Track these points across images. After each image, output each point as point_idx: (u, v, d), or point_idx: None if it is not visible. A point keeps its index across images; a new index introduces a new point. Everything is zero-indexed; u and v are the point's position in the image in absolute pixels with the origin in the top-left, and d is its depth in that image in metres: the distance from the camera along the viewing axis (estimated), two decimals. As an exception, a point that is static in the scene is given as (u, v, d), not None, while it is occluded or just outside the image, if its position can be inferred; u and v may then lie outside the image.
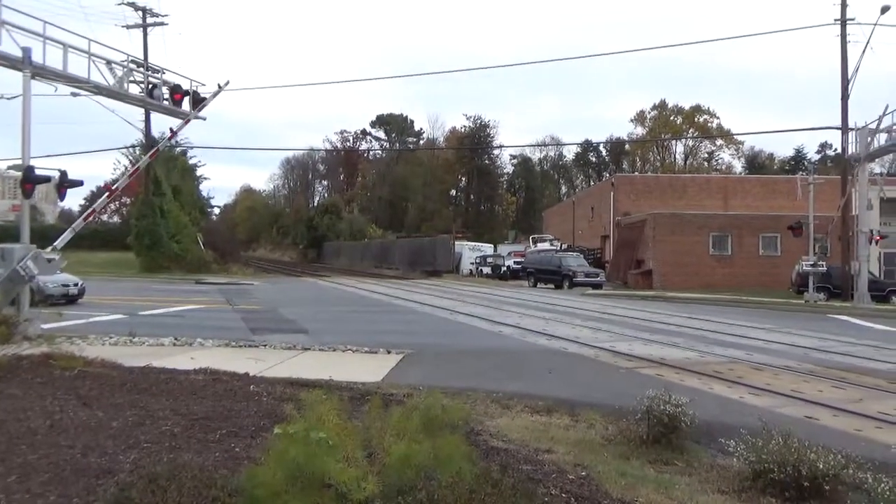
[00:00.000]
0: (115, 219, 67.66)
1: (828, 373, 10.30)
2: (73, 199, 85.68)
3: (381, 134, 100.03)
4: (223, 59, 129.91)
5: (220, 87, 13.51)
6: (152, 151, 17.26)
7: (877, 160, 30.03)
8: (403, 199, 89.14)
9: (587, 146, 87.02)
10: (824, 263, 27.41)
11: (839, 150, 32.32)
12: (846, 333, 16.49)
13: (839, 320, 20.91)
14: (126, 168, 63.71)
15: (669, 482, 4.92)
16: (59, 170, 11.37)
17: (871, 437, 6.52)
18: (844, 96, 28.25)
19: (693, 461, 5.56)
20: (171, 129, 14.28)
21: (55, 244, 11.09)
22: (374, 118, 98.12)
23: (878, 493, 4.09)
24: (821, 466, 4.55)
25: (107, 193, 12.43)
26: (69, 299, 18.87)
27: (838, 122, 28.64)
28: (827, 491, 4.54)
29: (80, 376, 7.65)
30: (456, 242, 53.40)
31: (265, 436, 5.07)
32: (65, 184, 11.42)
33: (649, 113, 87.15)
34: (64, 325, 12.67)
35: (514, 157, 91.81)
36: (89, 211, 11.01)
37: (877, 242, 27.71)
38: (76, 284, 19.52)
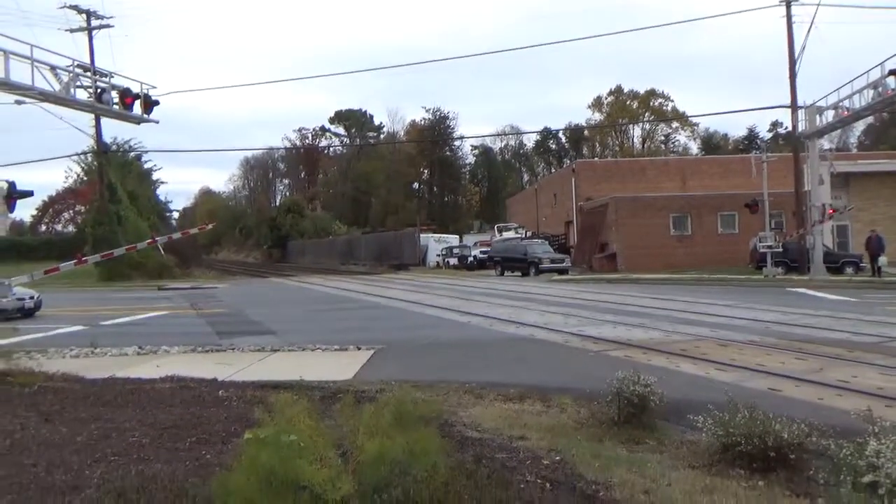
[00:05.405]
0: (71, 228, 65.85)
1: (790, 345, 10.58)
2: (25, 210, 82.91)
3: (341, 130, 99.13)
4: (174, 60, 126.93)
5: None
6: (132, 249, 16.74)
7: (826, 136, 30.83)
8: (367, 194, 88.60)
9: (546, 134, 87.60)
10: (780, 243, 28.18)
11: (790, 128, 33.14)
12: (805, 305, 16.97)
13: (798, 293, 21.52)
14: (78, 175, 62.09)
15: (642, 461, 5.00)
16: (7, 180, 10.97)
17: (832, 405, 6.72)
18: (792, 75, 28.96)
19: (664, 439, 5.66)
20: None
21: (11, 280, 10.79)
22: (332, 114, 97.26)
23: (840, 458, 4.21)
24: (785, 436, 4.67)
25: (74, 261, 12.04)
26: (25, 313, 18.26)
27: (788, 101, 29.39)
28: (792, 459, 4.68)
29: (41, 392, 7.43)
30: (421, 235, 53.29)
31: (236, 441, 4.99)
32: (13, 195, 11.02)
33: (606, 98, 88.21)
34: (21, 340, 12.29)
35: (475, 147, 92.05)
36: (52, 267, 10.73)
37: (830, 217, 28.51)
38: (32, 297, 18.89)
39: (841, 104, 25.42)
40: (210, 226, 12.59)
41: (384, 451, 3.71)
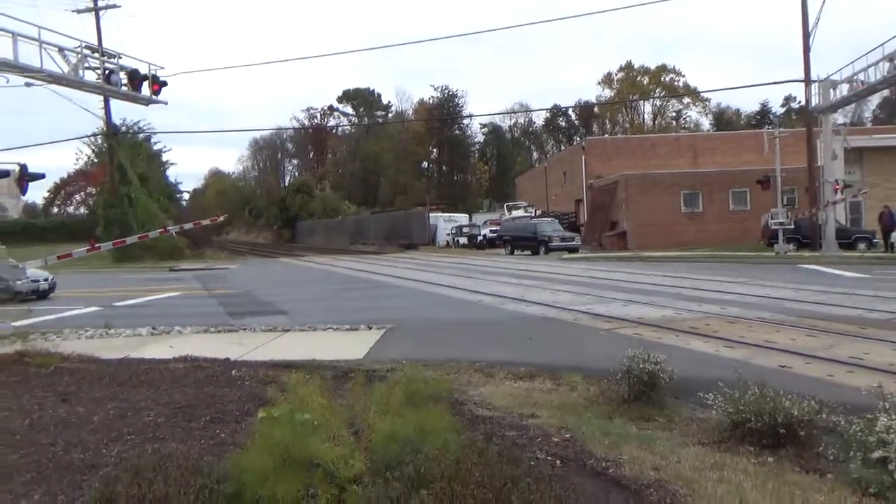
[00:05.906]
0: (82, 210, 66.22)
1: (800, 322, 10.55)
2: (37, 193, 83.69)
3: (349, 109, 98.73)
4: (181, 41, 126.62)
5: None
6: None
7: (840, 110, 30.36)
8: (375, 173, 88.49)
9: (556, 111, 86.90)
10: (792, 220, 28.02)
11: (803, 103, 32.69)
12: (816, 282, 16.87)
13: (809, 270, 21.38)
14: (88, 157, 62.28)
15: (651, 438, 5.03)
16: (19, 163, 11.06)
17: (843, 382, 6.71)
18: (806, 48, 28.48)
19: (673, 416, 5.68)
20: None
21: (26, 264, 10.98)
22: (340, 94, 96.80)
23: (850, 434, 4.22)
24: (795, 413, 4.68)
25: (87, 247, 12.20)
26: (40, 295, 18.49)
27: (801, 76, 28.95)
28: (802, 436, 4.68)
29: (57, 372, 7.55)
30: (431, 214, 53.25)
31: (250, 420, 5.07)
32: (25, 177, 11.12)
33: (616, 75, 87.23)
34: (36, 322, 12.44)
35: (484, 126, 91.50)
36: (65, 253, 10.92)
37: (841, 192, 28.18)
38: (46, 279, 19.11)
39: (855, 77, 25.01)
40: (221, 218, 13.16)
41: (396, 430, 3.76)
